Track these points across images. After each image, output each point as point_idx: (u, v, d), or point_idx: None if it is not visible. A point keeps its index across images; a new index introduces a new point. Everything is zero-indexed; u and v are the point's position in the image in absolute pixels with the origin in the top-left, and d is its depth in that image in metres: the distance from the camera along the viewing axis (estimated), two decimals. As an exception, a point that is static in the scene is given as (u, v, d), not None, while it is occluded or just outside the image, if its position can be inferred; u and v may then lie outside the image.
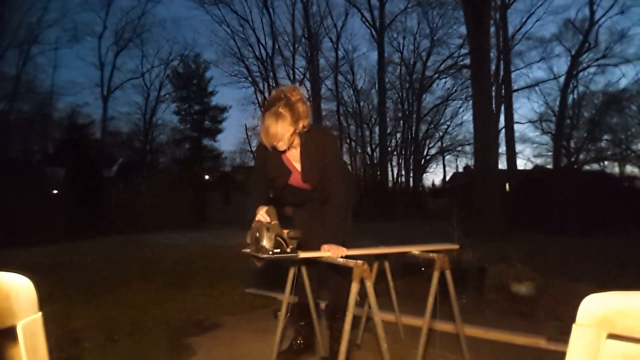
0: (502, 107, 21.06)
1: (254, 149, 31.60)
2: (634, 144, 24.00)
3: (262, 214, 1.88)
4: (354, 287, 1.58)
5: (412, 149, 29.65)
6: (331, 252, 1.87)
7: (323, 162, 2.11)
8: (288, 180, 2.19)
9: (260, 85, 28.62)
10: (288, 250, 1.75)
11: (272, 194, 2.40)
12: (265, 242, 1.72)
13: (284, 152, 2.09)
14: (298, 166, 2.17)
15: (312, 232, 2.32)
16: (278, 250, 1.72)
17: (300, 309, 2.35)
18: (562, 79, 24.00)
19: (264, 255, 1.71)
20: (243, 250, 1.96)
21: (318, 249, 1.95)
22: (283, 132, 1.94)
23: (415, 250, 2.11)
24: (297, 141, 2.07)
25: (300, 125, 1.99)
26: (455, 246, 2.31)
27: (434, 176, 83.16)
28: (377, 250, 2.28)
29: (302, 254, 1.90)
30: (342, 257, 1.84)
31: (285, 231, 1.79)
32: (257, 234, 1.79)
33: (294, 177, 2.19)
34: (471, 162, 25.30)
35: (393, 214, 20.10)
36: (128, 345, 2.54)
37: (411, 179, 29.59)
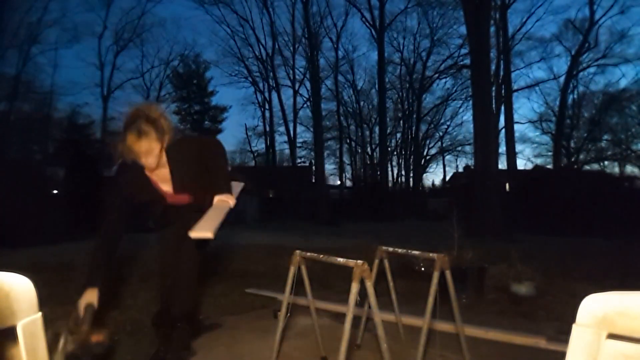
0: (502, 107, 21.03)
1: (254, 148, 31.70)
2: (634, 144, 24.04)
3: (81, 311, 1.64)
4: (354, 287, 1.58)
5: (412, 149, 29.67)
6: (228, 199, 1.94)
7: (199, 167, 2.08)
8: (164, 201, 2.15)
9: (260, 85, 28.67)
10: None
11: (150, 220, 2.29)
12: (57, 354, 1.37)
13: (153, 169, 2.04)
14: (166, 185, 2.13)
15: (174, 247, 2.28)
16: None
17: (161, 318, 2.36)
18: (562, 79, 24.04)
19: None
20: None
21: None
22: (150, 148, 1.91)
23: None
24: (164, 159, 2.04)
25: (166, 139, 1.99)
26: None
27: (434, 176, 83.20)
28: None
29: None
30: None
31: (95, 337, 1.53)
32: (61, 335, 1.41)
33: (168, 197, 2.16)
34: (471, 162, 25.28)
35: (393, 214, 20.09)
36: (128, 345, 2.54)
37: (411, 179, 29.62)
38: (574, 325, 0.64)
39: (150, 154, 1.92)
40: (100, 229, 1.96)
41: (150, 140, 1.90)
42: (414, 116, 28.89)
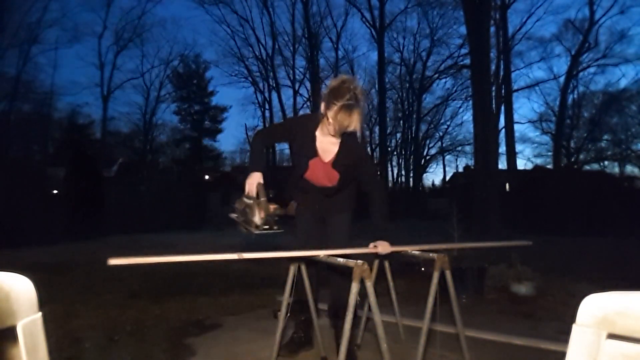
0: (502, 107, 21.01)
1: (254, 149, 31.96)
2: (634, 144, 24.00)
3: (254, 188, 1.94)
4: (354, 287, 1.58)
5: (412, 149, 29.63)
6: (380, 249, 1.97)
7: (356, 160, 2.18)
8: (310, 160, 2.19)
9: (260, 85, 28.65)
10: (275, 228, 1.84)
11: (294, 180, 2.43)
12: (257, 219, 1.82)
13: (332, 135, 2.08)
14: (326, 156, 2.18)
15: (313, 233, 2.39)
16: (267, 227, 1.82)
17: (300, 305, 2.38)
18: (562, 79, 23.99)
19: (256, 232, 1.81)
20: (230, 214, 2.05)
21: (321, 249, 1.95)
22: (359, 122, 1.97)
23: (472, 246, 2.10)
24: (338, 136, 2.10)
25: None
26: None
27: (434, 176, 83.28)
28: (425, 247, 2.12)
29: (325, 252, 1.86)
30: (388, 253, 1.99)
31: (272, 206, 1.86)
32: (248, 209, 1.89)
33: (314, 164, 2.20)
34: (471, 162, 25.27)
35: (393, 214, 20.07)
36: (128, 345, 2.54)
37: (411, 179, 29.59)
38: (574, 325, 0.64)
39: (347, 128, 1.96)
40: (259, 132, 2.31)
41: (360, 117, 1.95)
42: (414, 116, 28.86)
